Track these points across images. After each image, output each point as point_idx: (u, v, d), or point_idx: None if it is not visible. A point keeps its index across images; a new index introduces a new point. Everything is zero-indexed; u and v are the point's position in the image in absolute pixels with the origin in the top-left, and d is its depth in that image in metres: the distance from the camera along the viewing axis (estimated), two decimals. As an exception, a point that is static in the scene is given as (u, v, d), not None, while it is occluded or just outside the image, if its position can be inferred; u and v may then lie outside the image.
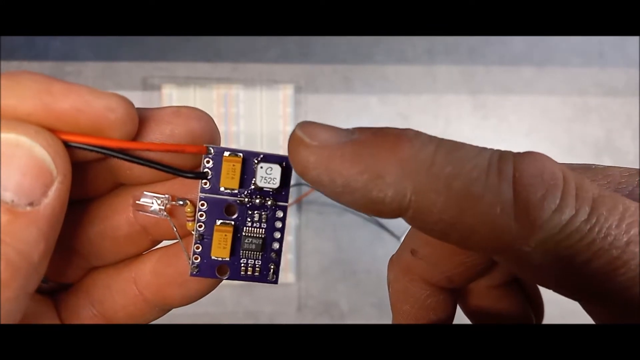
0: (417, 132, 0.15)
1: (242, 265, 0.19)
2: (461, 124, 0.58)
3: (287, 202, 0.19)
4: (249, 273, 0.19)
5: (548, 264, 0.14)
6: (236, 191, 0.19)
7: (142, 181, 0.19)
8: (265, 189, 0.19)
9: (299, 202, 0.54)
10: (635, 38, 0.59)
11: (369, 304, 0.55)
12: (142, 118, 0.17)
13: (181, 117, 0.18)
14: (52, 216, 0.15)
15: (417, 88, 0.57)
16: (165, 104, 0.55)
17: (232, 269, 0.19)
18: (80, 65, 0.56)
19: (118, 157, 0.17)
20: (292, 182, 0.19)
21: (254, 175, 0.18)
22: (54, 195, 0.15)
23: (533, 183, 0.14)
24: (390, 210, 0.15)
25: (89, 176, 0.18)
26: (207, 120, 0.18)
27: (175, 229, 0.19)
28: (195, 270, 0.19)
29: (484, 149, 0.15)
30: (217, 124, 0.18)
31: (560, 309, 0.29)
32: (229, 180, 0.18)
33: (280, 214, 0.19)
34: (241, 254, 0.19)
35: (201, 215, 0.19)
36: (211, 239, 0.19)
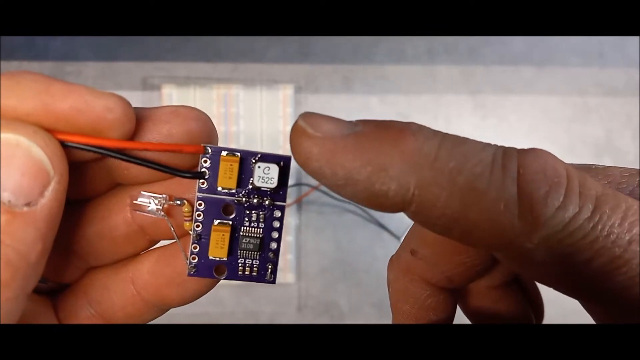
0: (420, 125, 0.15)
1: (240, 265, 0.19)
2: (461, 123, 0.57)
3: (284, 201, 0.19)
4: (246, 273, 0.19)
5: (550, 261, 0.14)
6: (234, 191, 0.19)
7: (139, 181, 0.19)
8: (262, 188, 0.19)
9: (298, 202, 0.54)
10: (635, 38, 0.59)
11: (369, 304, 0.55)
12: (139, 118, 0.17)
13: (179, 117, 0.18)
14: (50, 216, 0.15)
15: (417, 88, 0.57)
16: (165, 104, 0.55)
17: (229, 269, 0.19)
18: (80, 65, 0.56)
19: (115, 157, 0.17)
20: (292, 182, 0.19)
21: (251, 174, 0.18)
22: (51, 196, 0.15)
23: (537, 179, 0.14)
24: (393, 204, 0.14)
25: (87, 176, 0.18)
26: (204, 119, 0.18)
27: (172, 229, 0.19)
28: (193, 270, 0.19)
29: (488, 144, 0.15)
30: (217, 124, 0.18)
31: (561, 309, 0.29)
32: (227, 180, 0.18)
33: (278, 213, 0.19)
34: (239, 253, 0.19)
35: (199, 215, 0.19)
36: (209, 239, 0.19)
